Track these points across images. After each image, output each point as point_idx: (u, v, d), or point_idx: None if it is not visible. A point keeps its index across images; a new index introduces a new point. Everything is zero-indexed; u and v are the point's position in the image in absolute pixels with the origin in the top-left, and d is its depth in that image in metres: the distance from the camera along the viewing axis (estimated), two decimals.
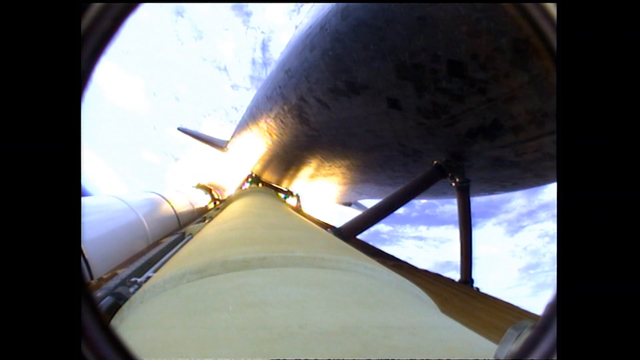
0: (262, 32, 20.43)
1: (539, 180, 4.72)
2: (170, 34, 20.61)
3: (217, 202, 8.04)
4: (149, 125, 22.13)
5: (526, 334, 0.64)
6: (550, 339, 0.61)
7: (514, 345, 0.65)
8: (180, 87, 22.27)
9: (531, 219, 20.66)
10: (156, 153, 23.01)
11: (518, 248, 21.23)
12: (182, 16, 20.08)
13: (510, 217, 20.79)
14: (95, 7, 0.64)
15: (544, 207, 19.84)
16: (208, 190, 8.72)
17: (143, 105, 21.82)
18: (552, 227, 20.06)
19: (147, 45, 20.41)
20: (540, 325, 0.62)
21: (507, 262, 21.10)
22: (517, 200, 18.81)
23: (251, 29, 20.46)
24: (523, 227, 20.84)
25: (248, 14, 20.05)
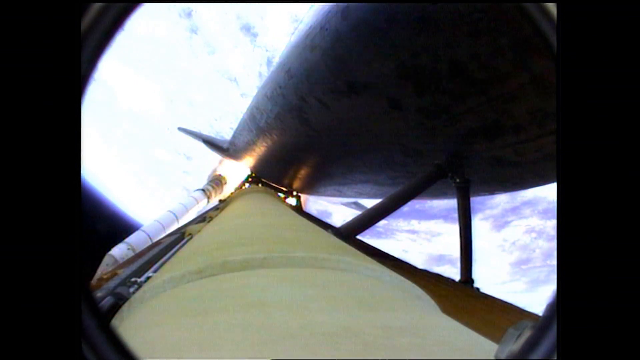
0: (267, 50, 23.37)
1: (539, 180, 4.72)
2: (186, 48, 23.11)
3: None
4: (164, 128, 23.44)
5: (526, 334, 0.64)
6: (550, 339, 0.61)
7: (514, 345, 0.65)
8: (194, 94, 24.26)
9: (515, 215, 21.08)
10: (170, 153, 24.27)
11: (507, 243, 21.62)
12: (196, 33, 22.76)
13: (496, 213, 21.20)
14: (95, 7, 0.64)
15: (527, 203, 20.36)
16: (207, 194, 8.86)
17: (159, 110, 23.44)
18: (536, 222, 20.50)
19: (164, 58, 22.42)
20: (540, 325, 0.62)
21: (498, 257, 21.41)
22: (501, 196, 19.19)
23: (257, 47, 23.41)
24: (508, 222, 21.33)
25: (255, 35, 23.12)
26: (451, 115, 3.90)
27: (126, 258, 5.15)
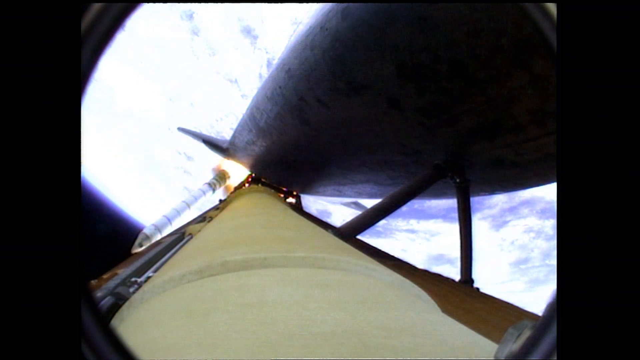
0: (267, 52, 23.76)
1: (539, 180, 4.71)
2: (188, 50, 23.43)
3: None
4: (164, 128, 23.74)
5: (526, 334, 0.64)
6: (550, 339, 0.61)
7: (514, 345, 0.65)
8: (195, 95, 24.57)
9: (514, 215, 21.24)
10: (170, 153, 24.56)
11: (505, 242, 21.75)
12: (197, 35, 23.05)
13: (494, 212, 21.36)
14: (95, 7, 0.64)
15: (525, 203, 20.52)
16: (213, 186, 10.36)
17: (160, 111, 23.75)
18: (535, 222, 20.64)
19: (165, 59, 22.87)
20: (540, 325, 0.62)
21: (497, 256, 21.51)
22: (499, 196, 19.35)
23: (258, 49, 23.75)
24: (507, 222, 21.52)
25: (255, 37, 23.53)
26: (451, 115, 3.91)
27: (154, 237, 6.62)
